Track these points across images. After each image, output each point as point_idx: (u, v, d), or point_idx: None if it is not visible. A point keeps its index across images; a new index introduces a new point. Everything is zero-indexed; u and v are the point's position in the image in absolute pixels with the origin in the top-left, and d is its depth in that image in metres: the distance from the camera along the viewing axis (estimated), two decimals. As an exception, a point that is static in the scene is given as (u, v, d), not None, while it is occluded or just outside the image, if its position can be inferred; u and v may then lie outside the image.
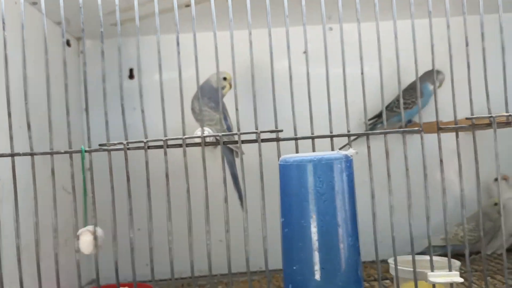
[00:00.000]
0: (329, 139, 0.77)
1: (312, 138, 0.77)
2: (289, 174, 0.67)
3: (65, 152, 0.75)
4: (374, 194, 0.76)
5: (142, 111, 0.76)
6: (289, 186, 0.67)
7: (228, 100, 1.09)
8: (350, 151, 0.67)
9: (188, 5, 1.03)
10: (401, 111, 0.78)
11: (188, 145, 0.75)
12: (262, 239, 0.74)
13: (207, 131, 0.76)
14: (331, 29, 1.26)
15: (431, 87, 1.18)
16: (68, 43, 1.25)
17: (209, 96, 1.10)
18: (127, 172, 0.74)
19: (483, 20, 0.77)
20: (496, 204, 1.16)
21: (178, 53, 0.76)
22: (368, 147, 0.77)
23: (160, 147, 0.75)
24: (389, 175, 0.76)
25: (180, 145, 0.75)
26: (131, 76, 1.31)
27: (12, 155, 0.73)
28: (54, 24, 1.06)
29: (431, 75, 1.15)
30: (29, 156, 0.74)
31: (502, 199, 1.01)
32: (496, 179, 1.10)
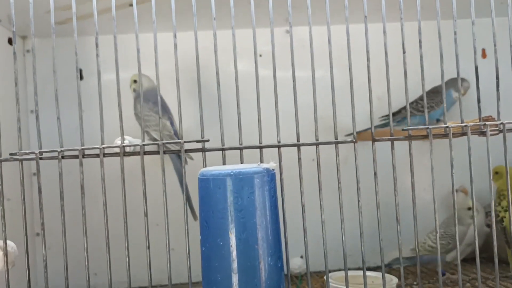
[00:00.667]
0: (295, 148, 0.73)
1: (240, 149, 0.73)
2: (207, 188, 0.62)
3: (-29, 162, 0.69)
4: (307, 206, 0.72)
5: (58, 118, 0.71)
6: (207, 202, 0.62)
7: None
8: (270, 165, 0.63)
9: (131, 5, 0.98)
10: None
11: (106, 155, 0.70)
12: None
13: (128, 140, 0.70)
14: (287, 31, 1.23)
15: (455, 94, 1.17)
16: (10, 41, 1.18)
17: (155, 101, 1.05)
18: (39, 183, 0.69)
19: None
20: (469, 208, 1.11)
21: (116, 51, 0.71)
22: (299, 159, 0.73)
23: (76, 157, 0.69)
24: (339, 183, 0.72)
25: (97, 155, 0.70)
26: (81, 77, 1.25)
27: None
28: None
29: (455, 82, 1.11)
30: None
31: (459, 211, 1.00)
32: (456, 191, 1.10)
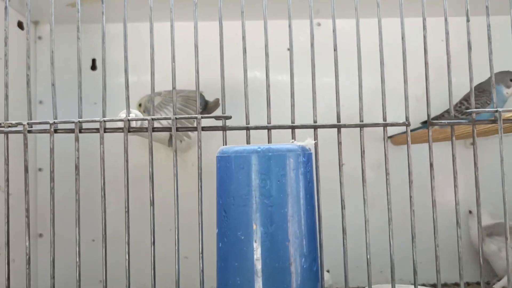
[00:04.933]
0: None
1: (268, 128, 0.60)
2: (227, 169, 0.50)
3: (-52, 133, 0.58)
4: (344, 205, 0.59)
5: (53, 85, 0.59)
6: (226, 185, 0.50)
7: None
8: (308, 142, 0.50)
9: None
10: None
11: (107, 130, 0.58)
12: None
13: (134, 114, 0.59)
14: (319, 24, 1.11)
15: (506, 90, 1.02)
16: (21, 26, 1.09)
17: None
18: (25, 161, 0.57)
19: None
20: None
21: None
22: (339, 143, 0.60)
23: (72, 131, 0.58)
24: (363, 173, 0.59)
25: (97, 130, 0.58)
26: (93, 67, 1.15)
27: None
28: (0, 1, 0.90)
29: (505, 77, 0.98)
30: None
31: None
32: (470, 212, 1.06)
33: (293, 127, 0.60)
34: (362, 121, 0.60)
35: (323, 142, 0.62)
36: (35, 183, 1.10)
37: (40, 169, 1.11)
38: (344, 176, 0.59)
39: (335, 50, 0.61)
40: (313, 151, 0.51)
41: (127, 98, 0.58)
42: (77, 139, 0.57)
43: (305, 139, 0.50)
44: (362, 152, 0.59)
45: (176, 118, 0.57)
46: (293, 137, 0.59)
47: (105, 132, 0.58)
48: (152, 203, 0.57)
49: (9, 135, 0.58)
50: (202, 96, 0.96)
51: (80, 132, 0.58)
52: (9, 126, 0.58)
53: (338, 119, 0.60)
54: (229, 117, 0.59)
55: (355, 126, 0.60)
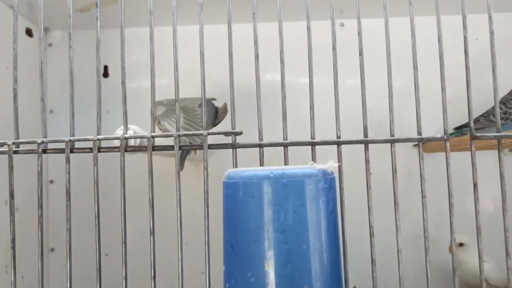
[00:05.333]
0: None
1: (284, 145, 0.52)
2: (234, 197, 0.42)
3: None
4: (373, 227, 0.51)
5: (42, 100, 0.53)
6: (234, 217, 0.42)
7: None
8: (330, 165, 0.42)
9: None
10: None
11: (102, 149, 0.51)
12: None
13: (133, 130, 0.52)
14: (342, 25, 1.03)
15: None
16: (30, 33, 1.04)
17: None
18: (10, 182, 0.51)
19: None
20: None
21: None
22: (367, 161, 0.52)
23: (61, 151, 0.51)
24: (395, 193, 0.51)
25: (89, 149, 0.51)
26: (105, 74, 1.09)
27: None
28: (8, 8, 0.84)
29: None
30: None
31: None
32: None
33: (313, 144, 0.52)
34: (393, 136, 0.52)
35: (345, 150, 0.54)
36: (47, 196, 1.04)
37: (51, 181, 1.05)
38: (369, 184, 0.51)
39: (360, 54, 0.53)
40: (336, 174, 0.44)
41: (124, 113, 0.52)
42: (67, 161, 0.51)
43: (327, 161, 0.42)
44: (394, 171, 0.51)
45: (179, 136, 0.50)
46: (313, 155, 0.51)
47: (99, 152, 0.51)
48: (153, 233, 0.50)
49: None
50: (211, 103, 0.89)
51: (71, 152, 0.51)
52: (-4, 146, 0.51)
53: (365, 134, 0.52)
54: (239, 133, 0.51)
55: (385, 141, 0.52)
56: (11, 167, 0.50)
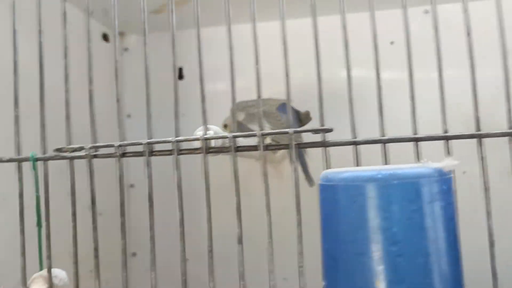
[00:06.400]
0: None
1: (383, 142, 0.46)
2: (333, 202, 0.37)
3: (9, 161, 0.51)
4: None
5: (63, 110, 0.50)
6: (333, 225, 0.37)
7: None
8: (447, 163, 0.35)
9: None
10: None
11: (181, 152, 0.48)
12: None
13: (213, 131, 0.48)
14: (426, 12, 0.95)
15: None
16: (106, 38, 1.04)
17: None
18: (92, 186, 0.49)
19: None
20: None
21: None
22: (482, 158, 0.44)
23: (140, 154, 0.48)
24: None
25: (169, 152, 0.48)
26: (180, 76, 1.08)
27: None
28: (83, 14, 0.85)
29: None
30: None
31: None
32: None
33: (416, 140, 0.45)
34: None
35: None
36: (128, 200, 1.04)
37: (131, 185, 1.05)
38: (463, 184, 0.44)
39: (468, 34, 0.46)
40: (453, 174, 0.37)
41: (204, 112, 0.48)
42: (148, 163, 0.47)
43: (444, 159, 0.35)
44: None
45: (262, 135, 0.46)
46: (417, 153, 0.45)
47: (179, 154, 0.47)
48: (241, 241, 0.45)
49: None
50: (291, 107, 0.83)
51: (151, 155, 0.48)
52: (73, 151, 0.49)
53: (478, 127, 0.45)
54: (330, 130, 0.46)
55: (502, 135, 0.44)
56: (92, 172, 0.48)
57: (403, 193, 0.34)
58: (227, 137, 0.46)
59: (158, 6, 0.94)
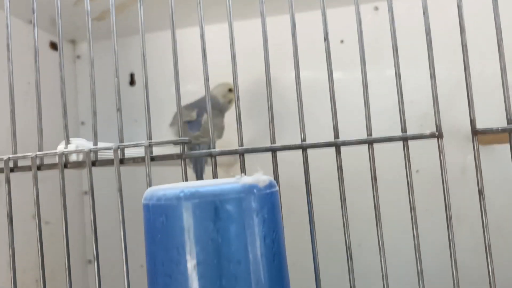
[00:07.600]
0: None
1: (273, 150, 0.43)
2: (147, 221, 0.35)
3: None
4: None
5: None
6: (149, 244, 0.35)
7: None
8: (257, 177, 0.33)
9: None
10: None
11: (43, 166, 0.46)
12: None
13: (75, 144, 0.45)
14: (376, 9, 0.91)
15: None
16: (55, 47, 1.04)
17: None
18: (37, 192, 0.47)
19: None
20: None
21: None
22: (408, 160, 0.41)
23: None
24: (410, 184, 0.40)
25: (29, 168, 0.46)
26: (132, 82, 1.07)
27: None
28: (27, 24, 0.84)
29: None
30: None
31: None
32: None
33: (304, 147, 0.42)
34: (405, 131, 0.41)
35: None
36: (82, 207, 1.03)
37: (85, 192, 1.04)
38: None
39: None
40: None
41: (65, 127, 0.46)
42: (7, 181, 0.46)
43: (256, 173, 0.33)
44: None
45: (119, 147, 0.43)
46: (304, 158, 0.42)
47: (39, 169, 0.45)
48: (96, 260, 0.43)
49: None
50: (216, 98, 0.81)
51: (11, 171, 0.46)
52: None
53: (404, 128, 0.42)
54: (189, 142, 0.43)
55: (400, 139, 0.41)
56: (36, 180, 0.46)
57: (203, 212, 0.31)
58: (83, 151, 0.44)
59: (98, 14, 0.92)
